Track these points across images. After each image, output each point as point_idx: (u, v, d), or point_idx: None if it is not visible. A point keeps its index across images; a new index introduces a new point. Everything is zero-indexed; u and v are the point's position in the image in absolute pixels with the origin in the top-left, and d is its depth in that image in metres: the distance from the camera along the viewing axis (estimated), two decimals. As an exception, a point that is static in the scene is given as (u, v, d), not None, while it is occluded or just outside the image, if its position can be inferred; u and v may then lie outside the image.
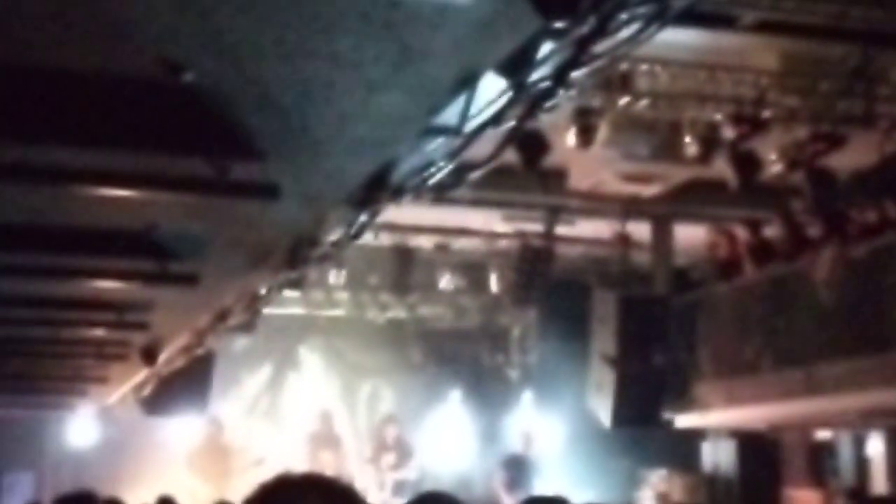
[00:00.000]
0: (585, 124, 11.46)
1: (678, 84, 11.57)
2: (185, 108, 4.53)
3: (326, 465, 17.24)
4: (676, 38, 10.49)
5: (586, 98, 11.28)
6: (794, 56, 11.27)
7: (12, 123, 4.67)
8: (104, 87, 4.41)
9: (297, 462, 16.96)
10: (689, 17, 9.66)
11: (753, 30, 10.46)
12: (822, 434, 16.01)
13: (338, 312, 18.03)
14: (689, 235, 15.62)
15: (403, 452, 17.51)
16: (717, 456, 15.95)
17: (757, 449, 15.97)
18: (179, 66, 4.18)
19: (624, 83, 11.53)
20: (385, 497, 16.79)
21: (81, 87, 4.33)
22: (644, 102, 11.61)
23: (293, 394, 18.73)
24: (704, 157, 12.09)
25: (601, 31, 4.12)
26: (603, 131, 11.72)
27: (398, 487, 16.87)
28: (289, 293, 16.00)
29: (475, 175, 5.42)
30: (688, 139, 12.05)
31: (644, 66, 11.36)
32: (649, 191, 14.59)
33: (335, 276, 16.71)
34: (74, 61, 4.19)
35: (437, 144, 5.35)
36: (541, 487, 15.80)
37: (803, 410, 13.20)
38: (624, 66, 11.20)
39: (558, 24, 3.64)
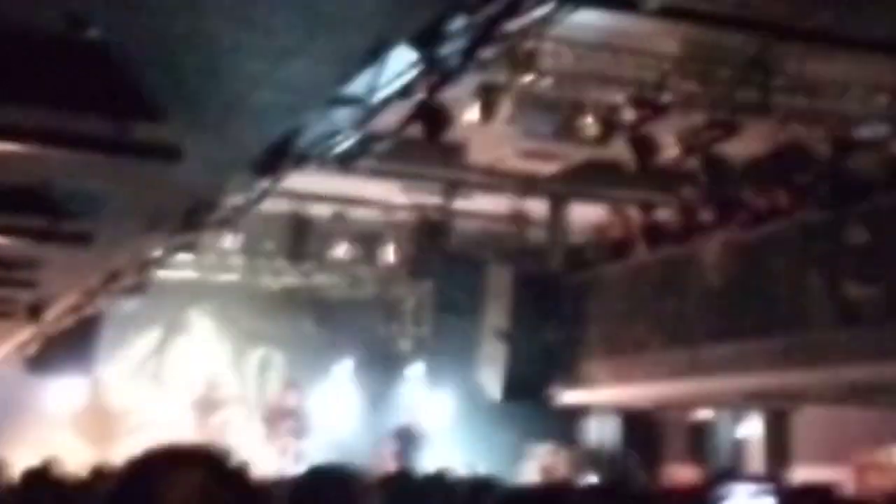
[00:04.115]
0: (488, 100, 11.47)
1: (582, 65, 11.65)
2: (87, 65, 4.42)
3: (213, 431, 17.12)
4: (582, 19, 10.56)
5: (490, 74, 11.28)
6: (695, 42, 11.43)
7: None
8: (3, 40, 4.27)
9: (183, 426, 16.81)
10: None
11: (657, 14, 10.56)
12: (703, 414, 16.41)
13: (231, 277, 17.85)
14: (585, 215, 15.80)
15: (304, 420, 17.45)
16: (602, 432, 16.25)
17: (640, 426, 16.32)
18: (83, 21, 4.08)
19: (528, 61, 11.56)
20: (286, 464, 16.68)
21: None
22: (548, 81, 11.67)
23: (181, 358, 18.49)
24: (604, 138, 12.22)
25: (512, 10, 4.15)
26: (505, 108, 11.76)
27: (298, 455, 16.80)
28: (181, 256, 15.84)
29: (381, 146, 5.41)
30: (589, 120, 12.16)
31: (549, 45, 11.41)
32: (548, 169, 14.70)
33: (230, 241, 16.49)
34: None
35: (343, 114, 5.32)
36: (428, 459, 16.00)
37: (687, 390, 13.48)
38: (529, 44, 11.24)
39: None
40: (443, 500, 5.82)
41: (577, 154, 13.86)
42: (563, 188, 15.43)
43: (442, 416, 17.79)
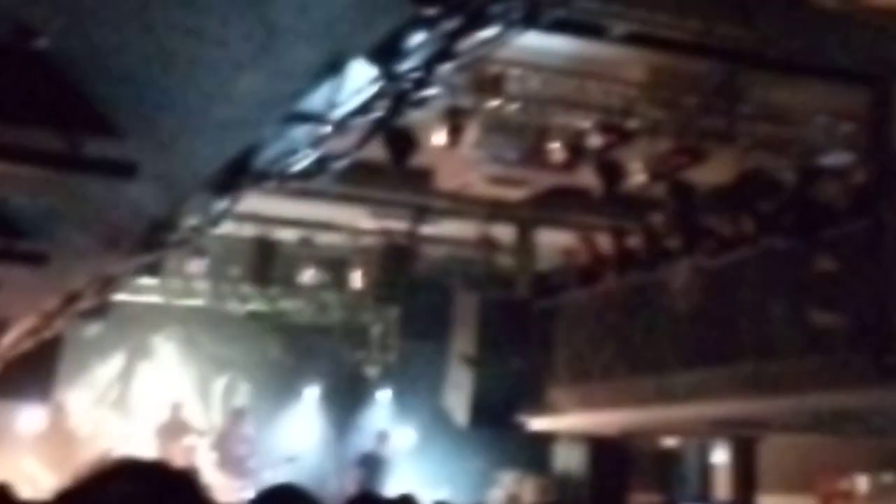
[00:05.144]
0: (455, 124, 11.44)
1: (548, 90, 11.65)
2: (37, 77, 4.33)
3: (177, 457, 16.87)
4: (549, 45, 10.58)
5: (457, 98, 11.26)
6: (662, 69, 11.46)
7: None
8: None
9: (147, 453, 16.57)
10: (561, 25, 9.72)
11: (623, 41, 10.57)
12: (671, 441, 16.36)
13: (196, 302, 17.68)
14: (553, 240, 15.78)
15: (252, 446, 17.28)
16: (569, 459, 16.15)
17: (607, 454, 16.22)
18: (32, 31, 3.99)
19: (495, 86, 11.56)
20: (236, 487, 16.49)
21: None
22: (514, 106, 11.66)
23: (145, 384, 18.26)
24: (570, 163, 12.21)
25: (470, 26, 4.10)
26: (472, 133, 11.74)
27: (254, 482, 16.60)
28: (145, 281, 15.69)
29: (339, 165, 5.34)
30: (555, 145, 12.14)
31: (516, 70, 11.41)
32: (515, 194, 14.68)
33: (195, 266, 16.35)
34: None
35: (302, 131, 5.25)
36: (393, 486, 15.87)
37: (654, 418, 13.44)
38: (496, 68, 11.24)
39: (427, 12, 3.59)
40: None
41: (544, 180, 13.85)
42: (530, 214, 15.41)
43: (408, 443, 17.66)
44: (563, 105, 11.78)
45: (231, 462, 17.08)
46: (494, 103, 11.58)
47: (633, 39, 10.59)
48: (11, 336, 10.91)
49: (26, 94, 4.55)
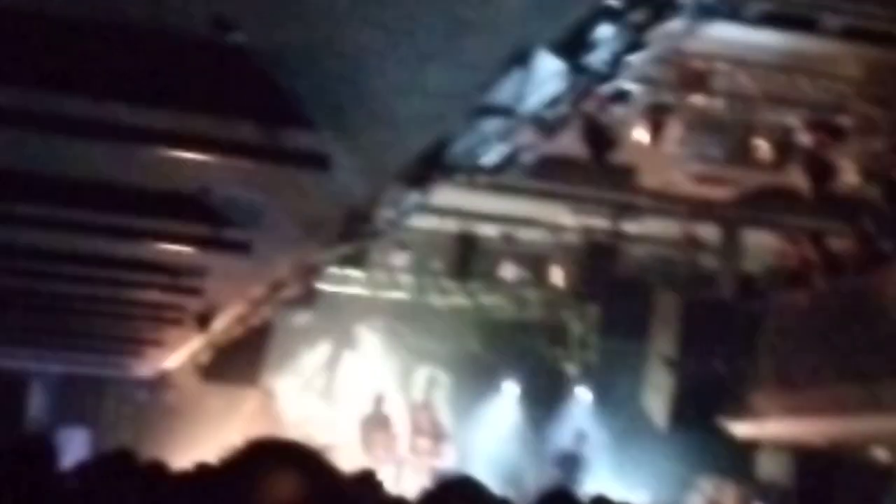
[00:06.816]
0: (657, 121, 11.26)
1: (756, 86, 11.33)
2: (235, 71, 4.49)
3: (378, 448, 17.25)
4: (757, 40, 10.30)
5: (660, 94, 11.09)
6: (877, 65, 10.97)
7: (71, 79, 4.67)
8: (154, 43, 4.38)
9: (349, 441, 17.01)
10: (770, 19, 9.44)
11: (837, 36, 10.18)
12: (883, 455, 15.63)
13: (399, 295, 18.00)
14: (758, 241, 15.34)
15: (437, 438, 17.44)
16: (772, 468, 15.65)
17: (814, 465, 15.64)
18: (229, 27, 4.14)
19: (700, 82, 11.32)
20: (422, 482, 16.71)
21: (129, 42, 4.31)
22: (719, 103, 11.39)
23: (350, 373, 18.74)
24: (778, 162, 11.84)
25: (657, 17, 4.02)
26: (675, 130, 11.53)
27: (433, 473, 16.81)
28: (351, 272, 16.11)
29: (528, 159, 5.33)
30: (762, 143, 11.80)
31: (722, 66, 11.14)
32: (720, 193, 14.33)
33: (399, 259, 16.67)
34: (123, 14, 4.17)
35: (492, 125, 5.26)
36: (590, 485, 15.76)
37: (863, 428, 12.90)
38: (701, 64, 11.00)
39: (610, 2, 3.54)
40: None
41: (751, 179, 13.47)
42: (735, 214, 15.01)
43: (604, 443, 17.51)
44: (771, 102, 11.42)
45: (419, 453, 17.32)
46: (699, 100, 11.34)
47: (847, 34, 10.19)
48: (221, 322, 11.38)
49: (225, 88, 4.73)
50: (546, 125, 4.92)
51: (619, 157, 11.31)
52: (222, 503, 2.13)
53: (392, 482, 14.22)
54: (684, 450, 16.08)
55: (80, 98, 4.91)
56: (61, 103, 4.97)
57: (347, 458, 13.69)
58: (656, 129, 11.40)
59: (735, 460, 15.93)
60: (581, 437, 17.31)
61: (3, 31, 4.38)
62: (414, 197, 6.28)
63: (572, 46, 4.35)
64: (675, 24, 3.95)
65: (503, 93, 4.77)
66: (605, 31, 4.26)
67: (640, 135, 11.36)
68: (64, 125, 5.17)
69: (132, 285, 9.73)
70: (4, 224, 7.43)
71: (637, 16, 4.05)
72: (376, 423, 17.76)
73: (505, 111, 5.03)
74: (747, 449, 15.64)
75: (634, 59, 4.34)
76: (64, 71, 4.62)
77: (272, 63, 4.48)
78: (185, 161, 5.56)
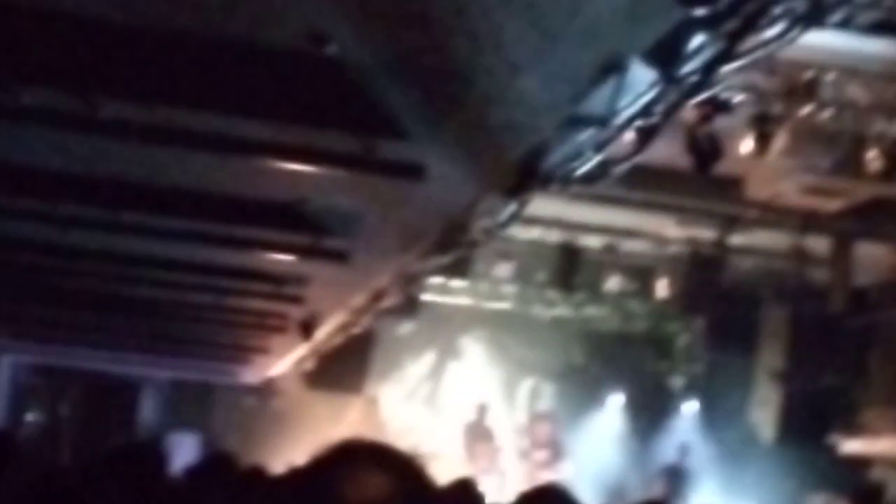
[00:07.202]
0: (763, 131, 11.07)
1: (866, 95, 11.07)
2: (330, 81, 4.57)
3: (481, 458, 17.27)
4: (868, 48, 10.07)
5: (766, 104, 10.90)
6: None
7: (175, 92, 4.81)
8: (253, 57, 4.49)
9: (452, 452, 17.07)
10: (882, 27, 9.24)
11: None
12: None
13: (503, 305, 18.01)
14: (871, 255, 14.97)
15: (556, 451, 17.37)
16: (888, 488, 15.26)
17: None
18: (323, 38, 4.22)
19: (808, 91, 11.10)
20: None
21: (229, 55, 4.43)
22: (828, 112, 11.15)
23: (454, 383, 18.82)
24: (890, 173, 11.54)
25: (751, 26, 3.98)
26: (782, 140, 11.32)
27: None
28: (455, 283, 16.19)
29: (621, 169, 5.31)
30: (873, 154, 11.51)
31: (831, 75, 10.91)
32: (831, 205, 14.00)
33: (502, 269, 16.69)
34: (223, 29, 4.28)
35: (586, 135, 5.26)
36: (697, 499, 15.57)
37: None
38: (809, 73, 10.80)
39: (697, 12, 3.52)
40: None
41: (862, 190, 13.14)
42: (847, 226, 14.66)
43: (710, 457, 17.26)
44: (883, 111, 11.15)
45: (532, 465, 17.29)
46: (807, 110, 11.12)
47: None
48: (324, 330, 11.54)
49: (322, 100, 4.82)
50: (640, 135, 4.89)
51: (726, 167, 11.14)
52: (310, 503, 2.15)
53: (495, 493, 14.21)
54: (792, 465, 15.78)
55: (185, 110, 5.06)
56: (167, 116, 5.12)
57: (450, 468, 13.75)
58: (763, 139, 11.21)
59: (846, 478, 15.57)
60: (686, 450, 17.10)
61: (116, 49, 4.54)
62: (510, 207, 6.30)
63: (664, 55, 4.33)
64: (771, 33, 3.88)
65: (596, 103, 4.77)
66: (697, 40, 4.23)
67: (747, 145, 11.18)
68: (169, 137, 5.32)
69: (237, 293, 9.95)
70: (116, 235, 7.67)
71: (730, 24, 4.01)
72: (479, 433, 17.79)
73: (598, 121, 5.02)
74: (858, 466, 15.28)
75: (729, 68, 4.29)
76: (168, 84, 4.77)
77: (367, 75, 4.56)
78: (284, 171, 5.68)
